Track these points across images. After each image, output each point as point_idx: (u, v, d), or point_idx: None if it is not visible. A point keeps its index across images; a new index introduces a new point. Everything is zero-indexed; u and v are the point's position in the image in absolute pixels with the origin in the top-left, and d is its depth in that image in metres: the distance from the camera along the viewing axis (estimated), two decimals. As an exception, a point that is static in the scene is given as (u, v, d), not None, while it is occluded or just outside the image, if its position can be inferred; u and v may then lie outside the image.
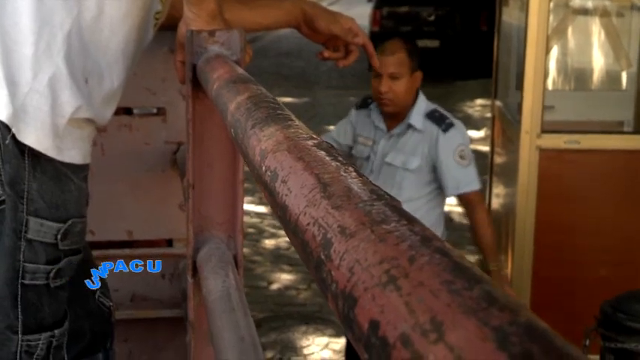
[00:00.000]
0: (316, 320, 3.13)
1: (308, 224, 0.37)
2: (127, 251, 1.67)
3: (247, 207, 4.41)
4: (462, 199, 2.12)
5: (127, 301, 1.66)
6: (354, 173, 0.41)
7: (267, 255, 3.88)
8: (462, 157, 2.06)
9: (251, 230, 4.09)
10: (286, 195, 0.42)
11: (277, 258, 3.83)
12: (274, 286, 3.52)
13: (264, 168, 0.48)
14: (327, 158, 0.44)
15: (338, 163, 0.43)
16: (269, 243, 4.03)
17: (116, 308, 1.40)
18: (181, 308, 1.57)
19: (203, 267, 0.98)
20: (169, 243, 1.71)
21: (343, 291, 0.31)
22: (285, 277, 3.61)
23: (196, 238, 1.02)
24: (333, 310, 0.33)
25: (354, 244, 0.32)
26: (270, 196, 0.46)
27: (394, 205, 0.35)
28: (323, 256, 0.34)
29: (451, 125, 2.08)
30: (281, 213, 0.43)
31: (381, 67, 2.00)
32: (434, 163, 2.07)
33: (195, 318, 1.03)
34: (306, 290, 3.46)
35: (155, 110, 1.65)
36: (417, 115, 2.09)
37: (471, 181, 2.06)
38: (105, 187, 1.56)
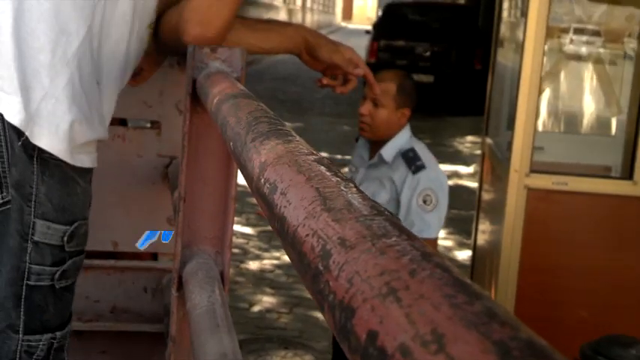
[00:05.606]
0: (296, 345, 3.10)
1: (307, 235, 0.37)
2: (111, 262, 1.65)
3: (234, 227, 4.37)
4: None
5: (107, 313, 1.64)
6: (354, 189, 0.41)
7: (250, 276, 3.85)
8: (425, 201, 1.99)
9: (236, 251, 4.07)
10: (285, 207, 0.42)
11: (260, 280, 3.81)
12: (255, 309, 3.49)
13: (262, 180, 0.48)
14: (328, 173, 0.44)
15: (338, 179, 0.43)
16: (253, 265, 4.01)
17: (96, 319, 1.39)
18: (162, 324, 1.55)
19: (189, 281, 0.97)
20: (154, 257, 1.70)
21: (341, 302, 0.30)
22: (267, 300, 3.59)
23: (184, 251, 1.01)
24: (328, 322, 0.33)
25: (354, 256, 0.32)
26: (268, 208, 0.46)
27: (394, 222, 0.35)
28: (321, 267, 0.34)
29: (422, 168, 2.02)
30: (278, 225, 0.43)
31: (368, 91, 2.00)
32: (399, 200, 2.02)
33: (177, 332, 1.02)
34: (288, 314, 3.43)
35: (149, 124, 1.65)
36: (390, 149, 2.06)
37: (426, 228, 1.99)
38: (94, 197, 1.55)
